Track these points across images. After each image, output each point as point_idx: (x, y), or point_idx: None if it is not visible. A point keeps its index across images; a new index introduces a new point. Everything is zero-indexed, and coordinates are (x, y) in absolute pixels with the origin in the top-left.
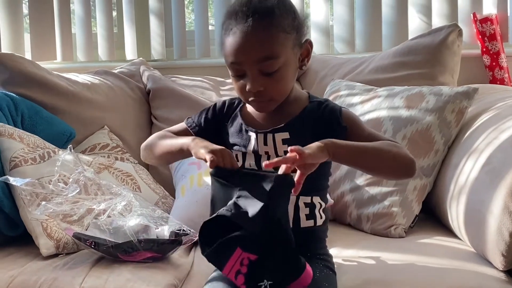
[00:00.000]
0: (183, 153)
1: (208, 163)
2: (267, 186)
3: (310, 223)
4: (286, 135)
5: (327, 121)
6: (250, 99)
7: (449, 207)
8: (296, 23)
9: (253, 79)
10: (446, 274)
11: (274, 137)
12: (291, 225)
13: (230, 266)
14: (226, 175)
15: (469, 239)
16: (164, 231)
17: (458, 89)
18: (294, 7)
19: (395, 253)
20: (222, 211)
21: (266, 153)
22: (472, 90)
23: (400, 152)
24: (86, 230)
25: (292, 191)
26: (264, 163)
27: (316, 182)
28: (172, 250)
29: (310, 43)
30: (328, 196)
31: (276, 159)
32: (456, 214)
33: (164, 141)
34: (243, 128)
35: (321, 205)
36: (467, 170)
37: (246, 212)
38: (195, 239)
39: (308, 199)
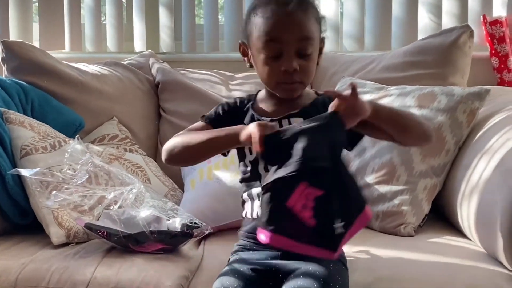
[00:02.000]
0: (228, 142)
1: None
2: (325, 121)
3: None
4: (301, 120)
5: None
6: (281, 81)
7: (460, 207)
8: (320, 16)
9: (291, 58)
10: (457, 273)
11: (290, 122)
12: None
13: (295, 199)
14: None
15: (480, 239)
16: (176, 223)
17: (470, 89)
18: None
19: (405, 251)
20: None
21: None
22: (484, 91)
23: (423, 121)
24: (98, 220)
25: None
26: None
27: None
28: (183, 242)
29: (323, 41)
30: None
31: (333, 90)
32: (467, 214)
33: (198, 135)
34: (256, 119)
35: None
36: (479, 170)
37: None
38: (206, 232)
39: None
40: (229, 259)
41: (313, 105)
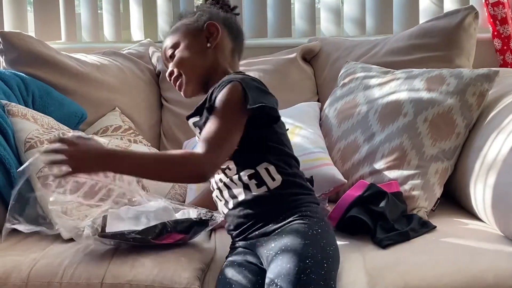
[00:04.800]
0: None
1: None
2: None
3: (263, 189)
4: (197, 118)
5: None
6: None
7: (473, 190)
8: (180, 25)
9: (167, 68)
10: (477, 256)
11: (189, 122)
12: (241, 198)
13: None
14: None
15: (496, 222)
16: (190, 213)
17: (478, 71)
18: (200, 4)
19: (421, 243)
20: None
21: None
22: (493, 73)
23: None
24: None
25: None
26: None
27: (245, 156)
28: (199, 232)
29: (210, 25)
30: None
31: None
32: (482, 196)
33: None
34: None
35: (273, 169)
36: (493, 152)
37: None
38: (219, 221)
39: (250, 172)
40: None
41: (206, 97)
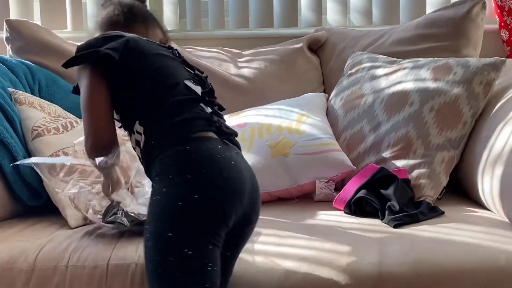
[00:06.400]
0: None
1: None
2: None
3: (137, 150)
4: None
5: None
6: None
7: (481, 179)
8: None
9: None
10: (488, 239)
11: None
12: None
13: None
14: None
15: (505, 211)
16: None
17: (485, 60)
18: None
19: (431, 224)
20: None
21: None
22: (500, 62)
23: None
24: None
25: None
26: None
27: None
28: None
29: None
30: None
31: None
32: (489, 186)
33: None
34: None
35: (141, 129)
36: (502, 142)
37: None
38: None
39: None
40: None
41: None
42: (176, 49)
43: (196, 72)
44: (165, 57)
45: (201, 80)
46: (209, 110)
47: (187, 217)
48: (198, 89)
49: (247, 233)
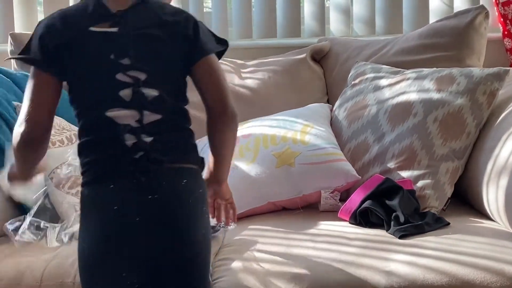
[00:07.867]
0: None
1: None
2: None
3: None
4: None
5: None
6: None
7: (486, 190)
8: None
9: None
10: (496, 251)
11: None
12: None
13: None
14: None
15: (510, 222)
16: None
17: (488, 70)
18: None
19: (436, 235)
20: None
21: None
22: (503, 72)
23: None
24: None
25: None
26: None
27: None
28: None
29: None
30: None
31: None
32: (495, 198)
33: None
34: None
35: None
36: (506, 152)
37: None
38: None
39: None
40: None
41: None
42: None
43: None
44: None
45: None
46: None
47: None
48: None
49: None
